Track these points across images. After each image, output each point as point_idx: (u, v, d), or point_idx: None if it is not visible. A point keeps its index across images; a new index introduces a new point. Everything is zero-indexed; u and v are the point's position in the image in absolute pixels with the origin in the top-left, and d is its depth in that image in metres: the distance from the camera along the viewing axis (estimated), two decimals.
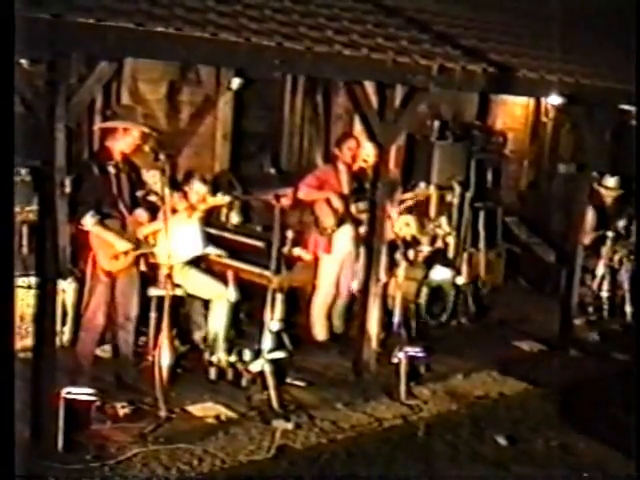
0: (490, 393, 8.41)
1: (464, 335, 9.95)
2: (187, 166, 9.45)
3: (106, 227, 7.26)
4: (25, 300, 7.69)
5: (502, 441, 7.65)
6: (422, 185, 10.24)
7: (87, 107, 7.62)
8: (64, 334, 7.62)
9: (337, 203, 8.94)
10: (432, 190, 10.37)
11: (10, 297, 5.42)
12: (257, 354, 7.68)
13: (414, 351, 8.14)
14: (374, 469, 6.89)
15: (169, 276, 7.19)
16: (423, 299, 9.64)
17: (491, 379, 8.71)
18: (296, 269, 8.44)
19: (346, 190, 9.04)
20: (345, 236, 9.00)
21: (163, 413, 7.02)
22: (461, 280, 10.08)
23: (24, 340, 7.67)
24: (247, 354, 7.75)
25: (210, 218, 8.59)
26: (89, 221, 7.16)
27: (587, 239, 10.47)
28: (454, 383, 8.49)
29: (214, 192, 8.15)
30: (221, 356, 7.88)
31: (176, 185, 8.09)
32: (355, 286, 8.98)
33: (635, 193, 11.15)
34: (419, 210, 10.01)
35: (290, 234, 8.08)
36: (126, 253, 7.32)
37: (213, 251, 8.31)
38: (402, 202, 9.58)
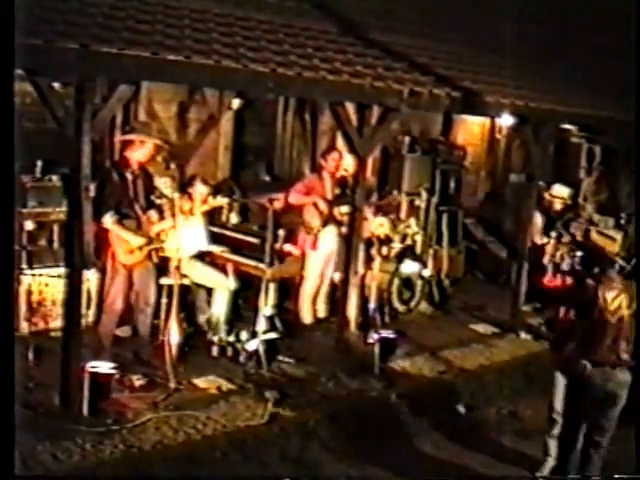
0: (451, 368, 8.46)
1: (429, 319, 9.98)
2: (194, 174, 9.45)
3: (123, 225, 7.27)
4: (56, 287, 7.72)
5: (461, 409, 7.72)
6: (395, 192, 10.28)
7: (109, 123, 7.64)
8: (88, 317, 7.62)
9: (322, 207, 8.96)
10: (403, 196, 10.41)
11: (10, 289, 5.17)
12: (253, 335, 7.70)
13: (387, 333, 8.17)
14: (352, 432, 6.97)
15: (178, 268, 7.22)
16: (394, 288, 9.66)
17: (452, 356, 8.74)
18: (287, 263, 8.44)
19: (330, 195, 9.07)
20: (329, 235, 9.01)
21: (172, 385, 7.04)
22: (427, 273, 10.10)
23: (55, 321, 7.73)
24: (244, 335, 7.77)
25: (213, 218, 8.60)
26: (108, 220, 7.16)
27: (538, 239, 10.53)
28: (420, 360, 8.53)
29: (216, 195, 8.18)
30: (222, 336, 7.89)
31: (184, 189, 8.10)
32: (337, 277, 9.01)
33: (635, 193, 11.24)
34: (392, 212, 10.05)
35: (282, 232, 8.09)
36: (140, 248, 7.33)
37: (216, 248, 8.33)
38: (378, 206, 9.63)
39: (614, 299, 6.04)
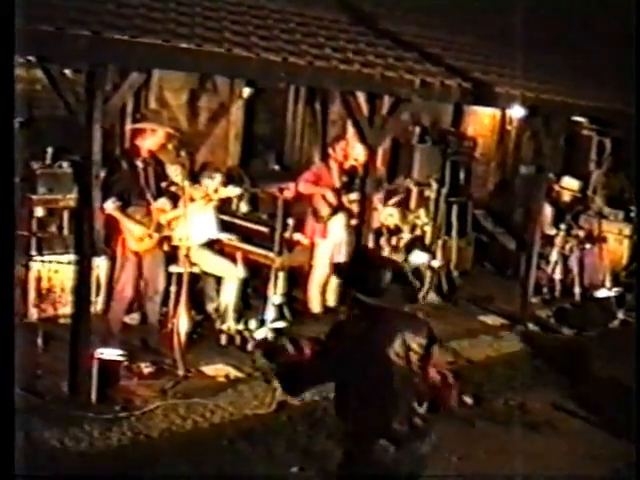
0: (459, 360, 8.42)
1: (437, 310, 9.93)
2: (204, 162, 9.44)
3: (124, 212, 7.19)
4: (65, 274, 7.70)
5: (469, 400, 7.68)
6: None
7: (120, 111, 7.61)
8: (98, 304, 7.62)
9: (331, 198, 8.92)
10: (412, 186, 10.38)
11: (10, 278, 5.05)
12: (261, 323, 7.70)
13: None
14: None
15: (187, 256, 7.20)
16: None
17: (460, 348, 8.70)
18: (296, 251, 8.43)
19: (338, 184, 9.02)
20: (338, 224, 8.98)
21: (181, 372, 7.03)
22: (436, 263, 10.07)
23: (64, 308, 7.72)
24: (253, 323, 7.76)
25: (223, 207, 8.59)
26: (110, 206, 7.10)
27: (547, 230, 10.49)
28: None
29: (226, 184, 8.16)
30: (230, 325, 7.88)
31: (195, 177, 8.08)
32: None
33: (635, 192, 11.16)
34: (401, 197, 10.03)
35: (291, 221, 8.07)
36: (150, 236, 7.30)
37: (226, 236, 8.31)
38: (388, 196, 9.59)
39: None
